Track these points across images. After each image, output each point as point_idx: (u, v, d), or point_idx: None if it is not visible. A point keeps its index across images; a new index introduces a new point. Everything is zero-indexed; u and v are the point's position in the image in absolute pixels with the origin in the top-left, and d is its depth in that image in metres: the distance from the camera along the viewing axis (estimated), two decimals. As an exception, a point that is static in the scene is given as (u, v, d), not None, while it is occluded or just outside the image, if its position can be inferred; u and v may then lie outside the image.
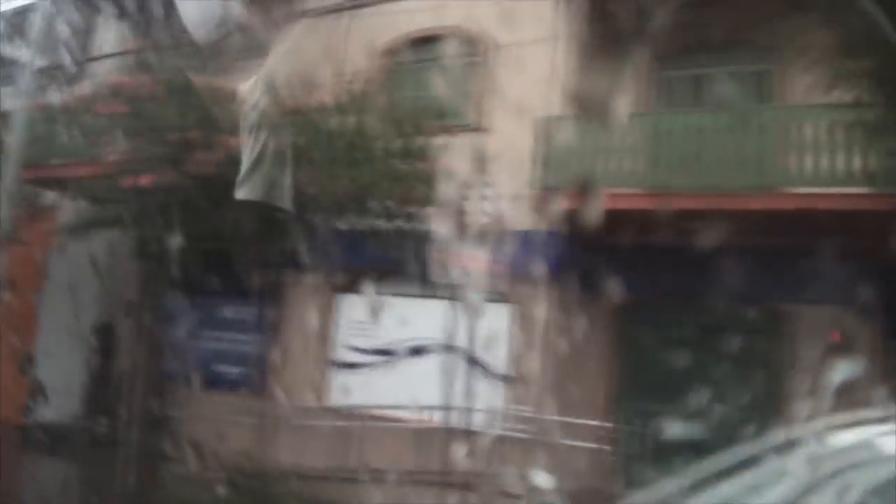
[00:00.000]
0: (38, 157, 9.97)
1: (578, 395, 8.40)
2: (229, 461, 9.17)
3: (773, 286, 7.96)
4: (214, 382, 10.77)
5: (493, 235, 7.96)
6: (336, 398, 10.08)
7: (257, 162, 7.39)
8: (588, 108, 9.01)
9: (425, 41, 10.29)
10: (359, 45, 10.30)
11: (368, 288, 8.60)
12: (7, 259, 10.33)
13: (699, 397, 7.77)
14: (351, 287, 9.70)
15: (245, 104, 7.55)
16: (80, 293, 11.41)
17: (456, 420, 8.63)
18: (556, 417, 8.30)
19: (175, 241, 7.96)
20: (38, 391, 11.67)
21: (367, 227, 8.28)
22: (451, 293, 8.48)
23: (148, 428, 10.47)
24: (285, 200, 7.51)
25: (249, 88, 7.55)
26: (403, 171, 8.12)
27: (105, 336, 12.09)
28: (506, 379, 9.16)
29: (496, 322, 8.90)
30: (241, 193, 7.39)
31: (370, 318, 9.06)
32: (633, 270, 7.44)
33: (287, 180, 7.52)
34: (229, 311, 11.18)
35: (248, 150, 7.40)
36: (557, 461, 7.96)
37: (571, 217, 7.82)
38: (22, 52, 11.87)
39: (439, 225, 7.45)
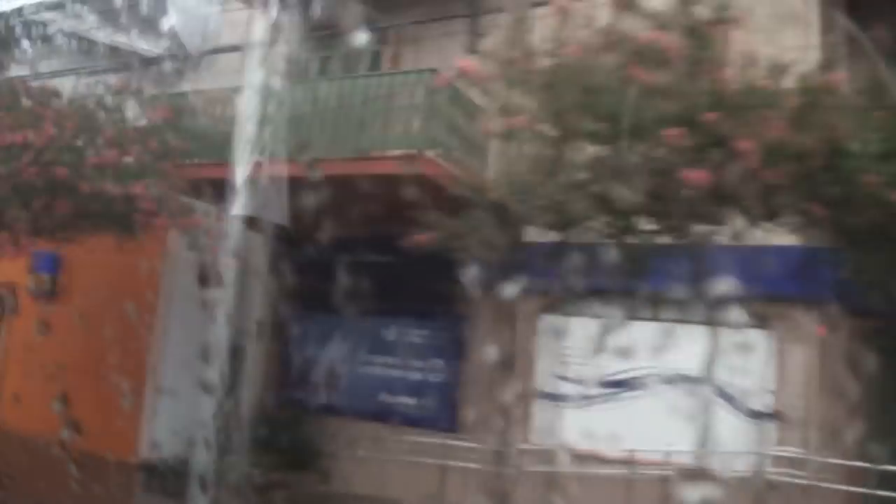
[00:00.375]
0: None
1: (848, 432, 7.13)
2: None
3: None
4: (386, 416, 9.44)
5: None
6: (546, 437, 8.66)
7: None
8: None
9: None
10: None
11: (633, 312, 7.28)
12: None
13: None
14: (563, 308, 8.54)
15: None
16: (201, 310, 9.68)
17: (707, 463, 7.11)
18: (825, 459, 7.18)
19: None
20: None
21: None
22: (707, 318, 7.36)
23: (298, 470, 9.15)
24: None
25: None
26: None
27: (236, 361, 10.60)
28: (767, 416, 7.96)
29: (755, 351, 7.73)
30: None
31: (627, 345, 7.57)
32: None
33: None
34: (408, 334, 9.79)
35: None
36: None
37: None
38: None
39: None
